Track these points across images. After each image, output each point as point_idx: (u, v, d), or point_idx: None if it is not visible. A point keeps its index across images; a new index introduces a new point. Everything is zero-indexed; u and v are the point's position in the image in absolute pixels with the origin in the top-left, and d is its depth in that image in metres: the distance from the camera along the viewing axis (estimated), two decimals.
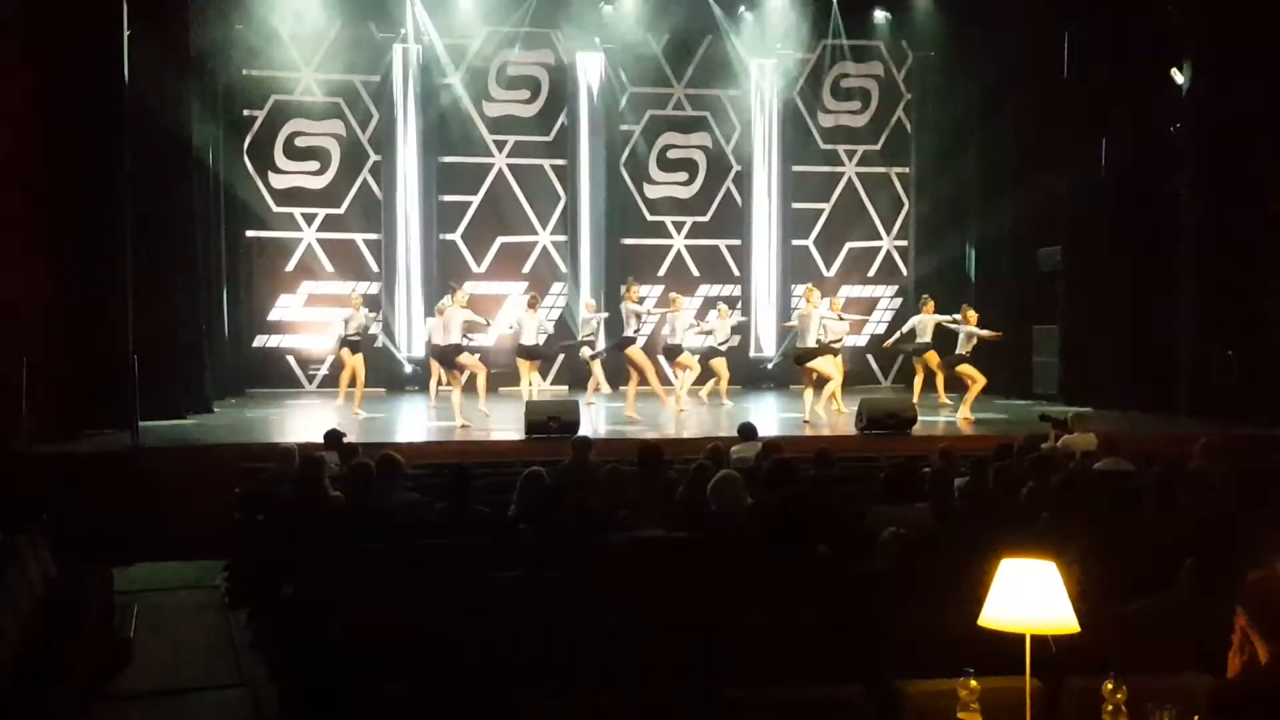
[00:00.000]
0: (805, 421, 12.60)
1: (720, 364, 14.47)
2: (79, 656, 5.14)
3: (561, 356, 16.04)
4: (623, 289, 14.12)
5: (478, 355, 13.22)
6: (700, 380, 14.72)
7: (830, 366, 13.03)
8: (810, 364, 12.82)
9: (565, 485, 6.96)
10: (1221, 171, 13.10)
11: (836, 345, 13.50)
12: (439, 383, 14.34)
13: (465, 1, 16.55)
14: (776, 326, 17.80)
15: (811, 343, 12.78)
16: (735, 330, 15.29)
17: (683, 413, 13.45)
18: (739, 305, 17.58)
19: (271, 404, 15.07)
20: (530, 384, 13.28)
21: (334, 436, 9.04)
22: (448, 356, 12.59)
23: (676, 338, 13.81)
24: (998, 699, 3.45)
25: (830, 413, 13.25)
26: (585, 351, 14.87)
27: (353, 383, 13.74)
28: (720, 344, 14.56)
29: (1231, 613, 3.31)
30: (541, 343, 13.39)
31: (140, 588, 8.04)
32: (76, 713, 4.88)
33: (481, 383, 12.67)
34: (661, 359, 14.59)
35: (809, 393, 12.89)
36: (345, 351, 13.82)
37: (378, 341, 15.74)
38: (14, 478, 9.06)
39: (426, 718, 3.88)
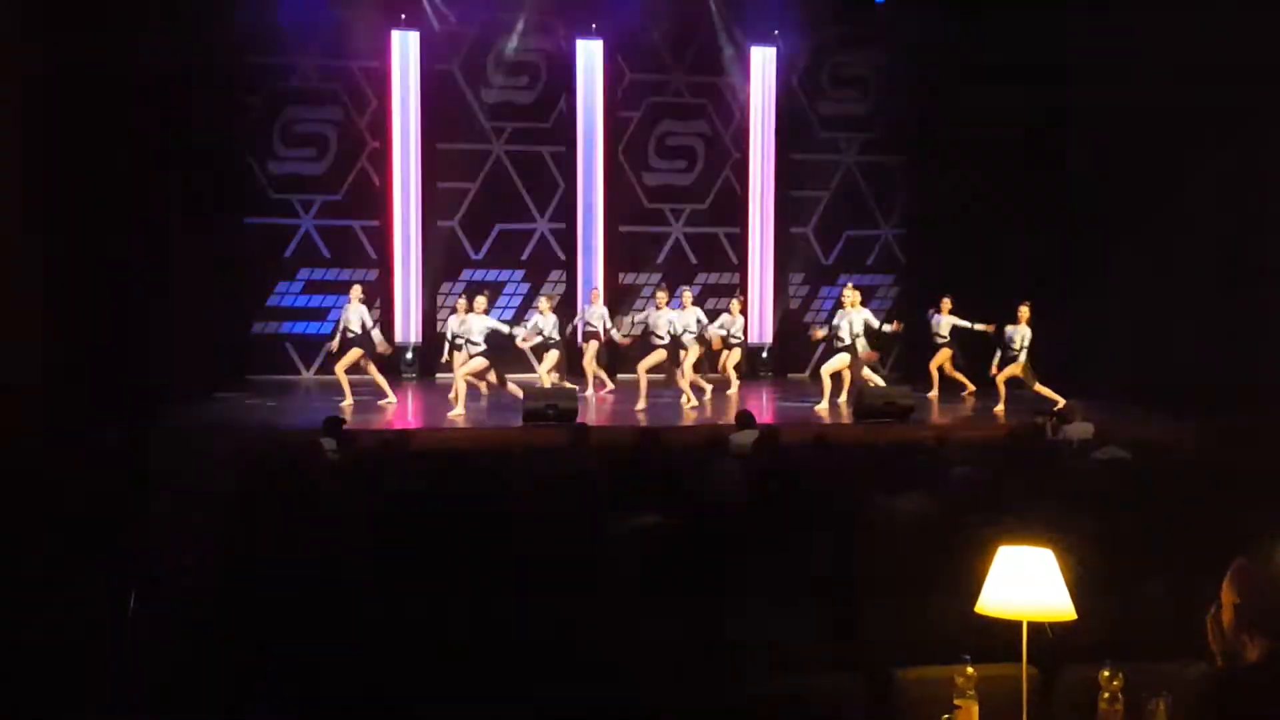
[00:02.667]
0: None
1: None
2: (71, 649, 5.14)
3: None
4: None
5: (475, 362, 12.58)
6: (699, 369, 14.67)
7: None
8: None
9: (562, 473, 6.95)
10: (1224, 163, 13.05)
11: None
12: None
13: None
14: (774, 314, 17.81)
15: (846, 339, 13.11)
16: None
17: (690, 401, 13.39)
18: (738, 293, 17.58)
19: (270, 391, 15.04)
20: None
21: (332, 423, 9.04)
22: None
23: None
24: (994, 686, 3.45)
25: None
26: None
27: (356, 370, 13.17)
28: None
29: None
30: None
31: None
32: (73, 704, 4.88)
33: (460, 390, 12.29)
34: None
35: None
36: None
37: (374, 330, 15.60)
38: (12, 468, 9.03)
39: (426, 712, 3.88)
